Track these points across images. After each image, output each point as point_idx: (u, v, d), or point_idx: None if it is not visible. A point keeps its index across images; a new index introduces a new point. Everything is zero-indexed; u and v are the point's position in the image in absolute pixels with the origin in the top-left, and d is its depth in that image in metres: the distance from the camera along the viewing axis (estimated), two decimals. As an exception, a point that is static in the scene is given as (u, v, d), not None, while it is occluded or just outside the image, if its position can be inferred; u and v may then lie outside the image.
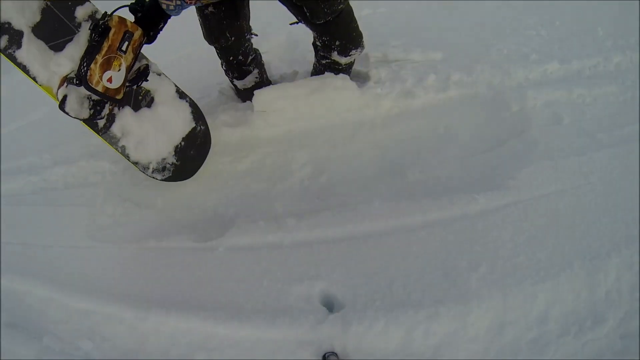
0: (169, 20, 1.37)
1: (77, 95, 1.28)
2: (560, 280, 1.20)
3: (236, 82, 1.93)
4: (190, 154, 1.73)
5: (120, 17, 1.25)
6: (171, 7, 1.23)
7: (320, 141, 1.85)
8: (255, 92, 1.86)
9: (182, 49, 2.50)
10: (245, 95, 2.01)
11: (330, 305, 1.29)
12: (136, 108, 1.54)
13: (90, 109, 1.31)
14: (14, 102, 2.85)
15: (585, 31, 2.16)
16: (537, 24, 2.25)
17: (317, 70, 1.91)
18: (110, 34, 1.22)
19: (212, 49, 1.71)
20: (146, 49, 1.38)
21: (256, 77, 1.93)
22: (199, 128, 1.74)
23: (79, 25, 1.29)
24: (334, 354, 1.17)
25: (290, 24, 1.64)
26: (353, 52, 1.72)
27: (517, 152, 1.65)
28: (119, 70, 1.26)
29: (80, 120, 1.31)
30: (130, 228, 1.64)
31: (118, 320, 1.33)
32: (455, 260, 1.28)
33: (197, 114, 1.73)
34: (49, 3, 1.22)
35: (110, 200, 1.77)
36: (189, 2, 1.23)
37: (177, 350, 1.25)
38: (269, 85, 1.96)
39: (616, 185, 1.44)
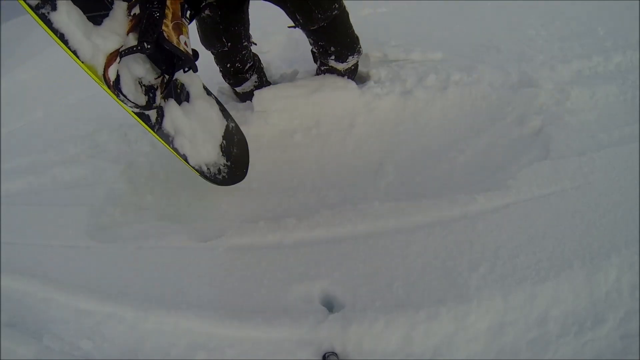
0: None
1: (130, 77, 1.11)
2: (560, 280, 1.20)
3: (234, 87, 1.93)
4: (235, 152, 1.57)
5: None
6: None
7: (320, 141, 1.85)
8: (255, 92, 1.86)
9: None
10: (244, 96, 2.02)
11: (330, 305, 1.29)
12: (179, 101, 1.38)
13: (144, 94, 1.13)
14: (14, 102, 2.84)
15: (585, 31, 2.16)
16: (537, 24, 2.25)
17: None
18: (168, 3, 1.08)
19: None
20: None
21: (255, 82, 1.93)
22: (230, 125, 1.60)
23: (112, 1, 1.09)
24: (334, 354, 1.16)
25: (289, 27, 1.63)
26: (350, 58, 1.70)
27: (517, 152, 1.65)
28: (188, 37, 1.12)
29: (136, 109, 1.11)
30: (130, 228, 1.64)
31: (118, 320, 1.33)
32: (455, 260, 1.28)
33: (224, 110, 1.61)
34: None
35: (110, 200, 1.77)
36: None
37: (177, 350, 1.25)
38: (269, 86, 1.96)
39: (616, 185, 1.43)
